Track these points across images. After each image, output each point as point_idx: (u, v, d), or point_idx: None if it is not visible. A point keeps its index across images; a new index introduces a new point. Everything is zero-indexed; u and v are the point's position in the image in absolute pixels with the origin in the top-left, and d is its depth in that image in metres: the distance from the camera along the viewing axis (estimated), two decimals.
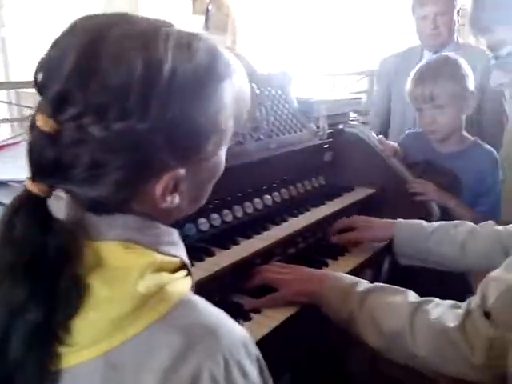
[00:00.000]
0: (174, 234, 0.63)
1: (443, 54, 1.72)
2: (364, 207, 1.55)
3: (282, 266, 1.12)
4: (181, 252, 0.62)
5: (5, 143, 1.22)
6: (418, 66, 1.62)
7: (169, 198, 0.57)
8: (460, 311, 0.82)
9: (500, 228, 1.22)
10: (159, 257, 0.57)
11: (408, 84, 1.60)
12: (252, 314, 1.02)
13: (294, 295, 1.03)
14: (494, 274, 0.82)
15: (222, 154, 0.64)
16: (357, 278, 1.02)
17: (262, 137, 1.33)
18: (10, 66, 5.63)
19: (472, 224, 1.26)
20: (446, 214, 1.55)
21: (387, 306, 0.91)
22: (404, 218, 1.53)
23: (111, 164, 0.52)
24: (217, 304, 1.02)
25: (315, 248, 1.34)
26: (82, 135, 0.51)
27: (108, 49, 0.51)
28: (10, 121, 3.64)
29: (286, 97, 1.45)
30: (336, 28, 4.33)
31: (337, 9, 4.25)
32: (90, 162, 0.51)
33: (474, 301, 0.82)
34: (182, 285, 0.58)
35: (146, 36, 0.53)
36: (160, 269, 0.56)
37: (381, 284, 0.99)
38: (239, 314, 1.01)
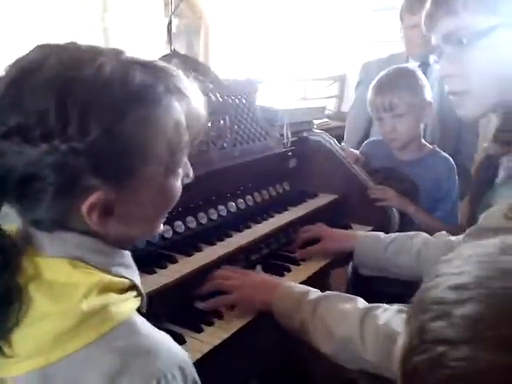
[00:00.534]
0: (126, 257, 0.65)
1: (402, 65, 1.78)
2: (327, 213, 1.60)
3: (233, 271, 1.14)
4: (132, 274, 0.64)
5: None
6: (378, 76, 1.68)
7: (95, 219, 0.57)
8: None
9: (453, 238, 1.27)
10: (107, 277, 0.58)
11: (369, 93, 1.66)
12: (215, 320, 1.05)
13: (244, 301, 1.05)
14: None
15: (173, 182, 0.64)
16: (308, 287, 1.04)
17: (225, 145, 1.36)
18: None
19: (426, 235, 1.30)
20: (406, 219, 1.61)
21: (338, 312, 0.93)
22: (365, 223, 1.59)
23: (40, 182, 0.54)
24: (180, 311, 1.05)
25: (278, 254, 1.38)
26: (13, 152, 0.53)
27: (37, 75, 0.54)
28: None
29: (250, 105, 1.48)
30: (307, 34, 4.39)
31: (307, 16, 4.31)
32: (20, 178, 0.54)
33: None
34: (127, 306, 0.59)
35: (75, 65, 0.55)
36: (107, 289, 0.57)
37: (331, 292, 1.01)
38: (201, 320, 1.03)
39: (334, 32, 4.25)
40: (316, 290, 1.02)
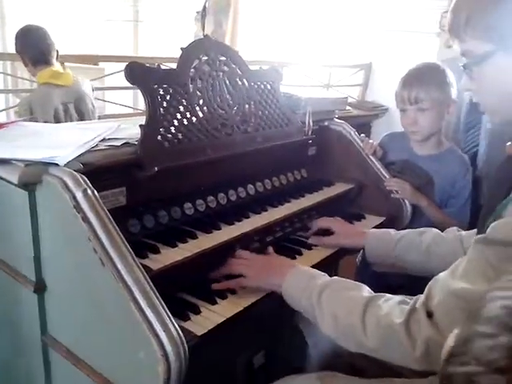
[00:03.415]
0: None
1: (432, 61, 1.79)
2: (342, 202, 1.65)
3: (248, 255, 1.21)
4: None
5: (4, 122, 1.29)
6: (408, 69, 1.70)
7: None
8: (406, 308, 0.89)
9: (462, 232, 1.31)
10: None
11: (398, 85, 1.69)
12: (228, 294, 1.11)
13: (257, 283, 1.12)
14: (441, 275, 0.89)
15: None
16: (317, 271, 1.10)
17: (249, 129, 1.41)
18: (7, 35, 5.61)
19: (436, 230, 1.34)
20: (417, 212, 1.66)
21: (343, 299, 0.98)
22: (378, 214, 1.64)
23: None
24: (197, 283, 1.12)
25: (291, 238, 1.44)
26: None
27: None
28: (5, 92, 3.70)
29: (274, 92, 1.53)
30: (334, 21, 4.37)
31: (336, 2, 4.29)
32: None
33: (420, 299, 0.88)
34: None
35: None
36: None
37: (338, 278, 1.07)
38: (216, 293, 1.10)
39: (361, 20, 4.22)
40: (325, 274, 1.08)
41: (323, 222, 1.46)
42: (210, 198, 1.32)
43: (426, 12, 3.67)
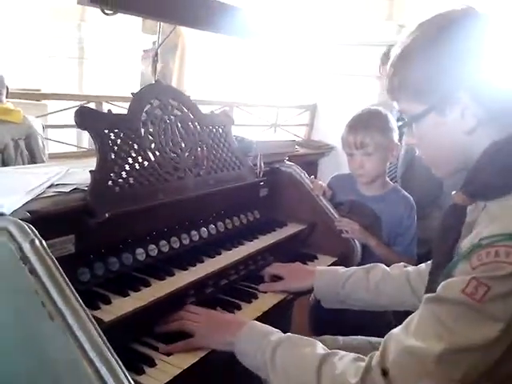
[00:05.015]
0: None
1: (375, 107, 1.88)
2: (294, 242, 1.67)
3: (197, 312, 1.16)
4: None
5: None
6: (353, 115, 1.78)
7: None
8: (362, 365, 0.86)
9: (409, 268, 1.35)
10: None
11: (344, 130, 1.76)
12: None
13: (208, 343, 1.08)
14: (395, 331, 0.88)
15: None
16: (270, 328, 1.06)
17: (201, 173, 1.41)
18: None
19: (383, 267, 1.37)
20: (367, 251, 1.70)
21: (296, 357, 0.95)
22: (330, 254, 1.67)
23: None
24: (152, 333, 1.08)
25: (247, 281, 1.43)
26: None
27: None
28: None
29: (226, 136, 1.55)
30: (281, 64, 4.53)
31: (283, 46, 4.45)
32: None
33: (375, 356, 0.86)
34: None
35: None
36: None
37: (292, 334, 1.03)
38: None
39: (306, 63, 4.40)
40: (278, 330, 1.04)
41: (272, 270, 1.46)
42: (163, 242, 1.29)
43: (366, 57, 3.88)
